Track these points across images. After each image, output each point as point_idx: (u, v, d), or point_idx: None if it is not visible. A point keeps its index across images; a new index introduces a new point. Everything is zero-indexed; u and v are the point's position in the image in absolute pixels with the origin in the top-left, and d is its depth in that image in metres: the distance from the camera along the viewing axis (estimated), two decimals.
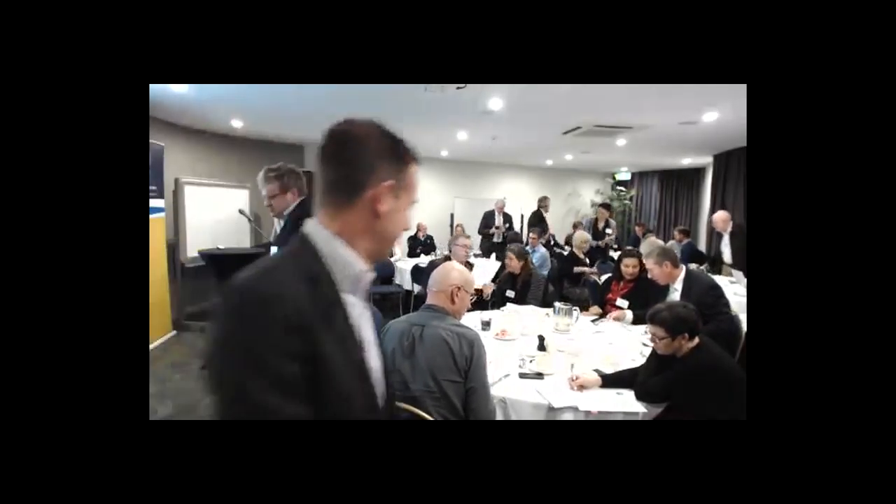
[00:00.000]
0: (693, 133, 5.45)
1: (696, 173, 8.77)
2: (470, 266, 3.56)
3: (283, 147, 6.83)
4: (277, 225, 2.33)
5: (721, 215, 4.92)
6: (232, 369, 0.59)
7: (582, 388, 1.86)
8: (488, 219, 6.72)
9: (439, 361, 1.50)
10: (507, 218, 6.78)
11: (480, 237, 6.71)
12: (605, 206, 6.86)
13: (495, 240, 6.45)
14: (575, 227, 7.39)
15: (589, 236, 5.33)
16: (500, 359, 2.12)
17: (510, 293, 3.46)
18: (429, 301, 1.69)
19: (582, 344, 2.47)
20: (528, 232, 6.27)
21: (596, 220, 6.78)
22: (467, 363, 1.51)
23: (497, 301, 3.49)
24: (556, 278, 4.97)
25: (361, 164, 0.66)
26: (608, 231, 6.44)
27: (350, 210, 0.67)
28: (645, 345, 2.38)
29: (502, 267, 3.70)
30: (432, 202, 8.51)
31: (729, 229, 4.86)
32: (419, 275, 4.74)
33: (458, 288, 1.68)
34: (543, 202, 6.91)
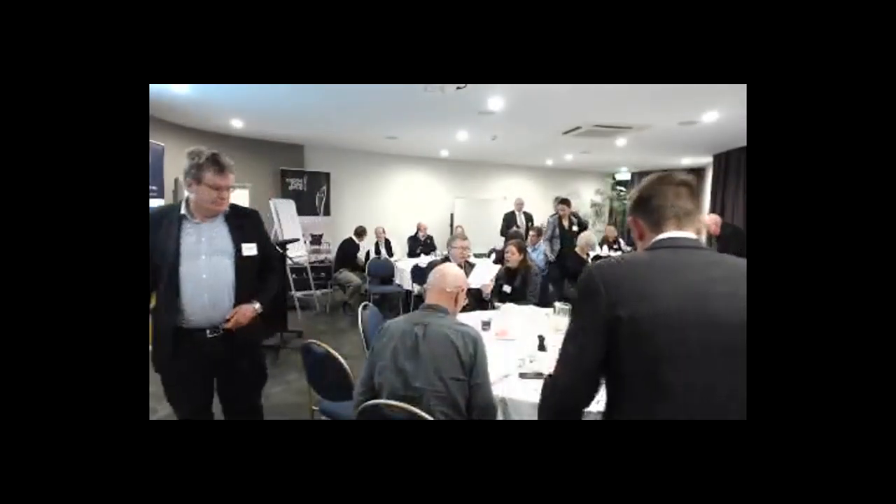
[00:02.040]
0: (693, 133, 5.46)
1: (696, 173, 8.78)
2: (470, 266, 3.56)
3: (283, 147, 6.83)
4: (210, 226, 1.78)
5: (713, 218, 5.06)
6: None
7: None
8: (510, 220, 6.61)
9: (444, 359, 1.51)
10: (529, 217, 6.70)
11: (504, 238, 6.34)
12: (566, 201, 5.85)
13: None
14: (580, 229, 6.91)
15: (594, 238, 5.26)
16: (500, 359, 2.12)
17: (507, 288, 3.46)
18: (429, 301, 1.70)
19: None
20: (530, 231, 6.25)
21: (560, 218, 5.77)
22: (471, 360, 1.53)
23: (495, 296, 3.49)
24: (559, 278, 4.96)
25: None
26: (574, 229, 5.65)
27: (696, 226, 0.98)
28: None
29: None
30: (432, 202, 8.50)
31: (718, 232, 4.98)
32: (419, 275, 4.74)
33: (462, 290, 1.74)
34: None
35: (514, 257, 3.46)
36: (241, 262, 1.82)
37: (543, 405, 1.02)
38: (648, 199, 0.98)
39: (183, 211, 1.77)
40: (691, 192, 0.97)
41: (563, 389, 0.96)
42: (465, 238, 3.48)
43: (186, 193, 1.77)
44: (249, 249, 1.86)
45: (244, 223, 1.90)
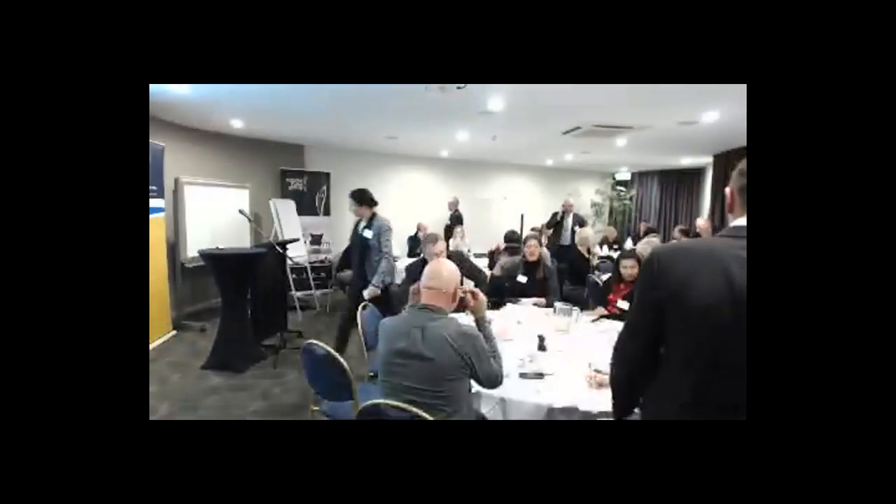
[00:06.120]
0: (693, 133, 5.45)
1: (696, 173, 8.77)
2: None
3: (283, 147, 6.82)
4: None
5: (704, 223, 5.17)
6: None
7: (601, 385, 1.85)
8: (558, 224, 6.47)
9: (445, 360, 1.53)
10: (578, 220, 6.46)
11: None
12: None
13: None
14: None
15: (591, 234, 5.23)
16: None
17: (522, 278, 3.54)
18: (425, 300, 1.69)
19: (583, 344, 2.47)
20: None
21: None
22: (470, 358, 1.57)
23: (507, 291, 3.55)
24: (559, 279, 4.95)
25: None
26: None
27: None
28: None
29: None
30: (432, 202, 8.49)
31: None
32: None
33: (458, 286, 1.76)
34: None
35: (534, 252, 3.56)
36: None
37: (613, 361, 1.13)
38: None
39: None
40: None
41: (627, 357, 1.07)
42: (435, 241, 3.28)
43: None
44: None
45: None
